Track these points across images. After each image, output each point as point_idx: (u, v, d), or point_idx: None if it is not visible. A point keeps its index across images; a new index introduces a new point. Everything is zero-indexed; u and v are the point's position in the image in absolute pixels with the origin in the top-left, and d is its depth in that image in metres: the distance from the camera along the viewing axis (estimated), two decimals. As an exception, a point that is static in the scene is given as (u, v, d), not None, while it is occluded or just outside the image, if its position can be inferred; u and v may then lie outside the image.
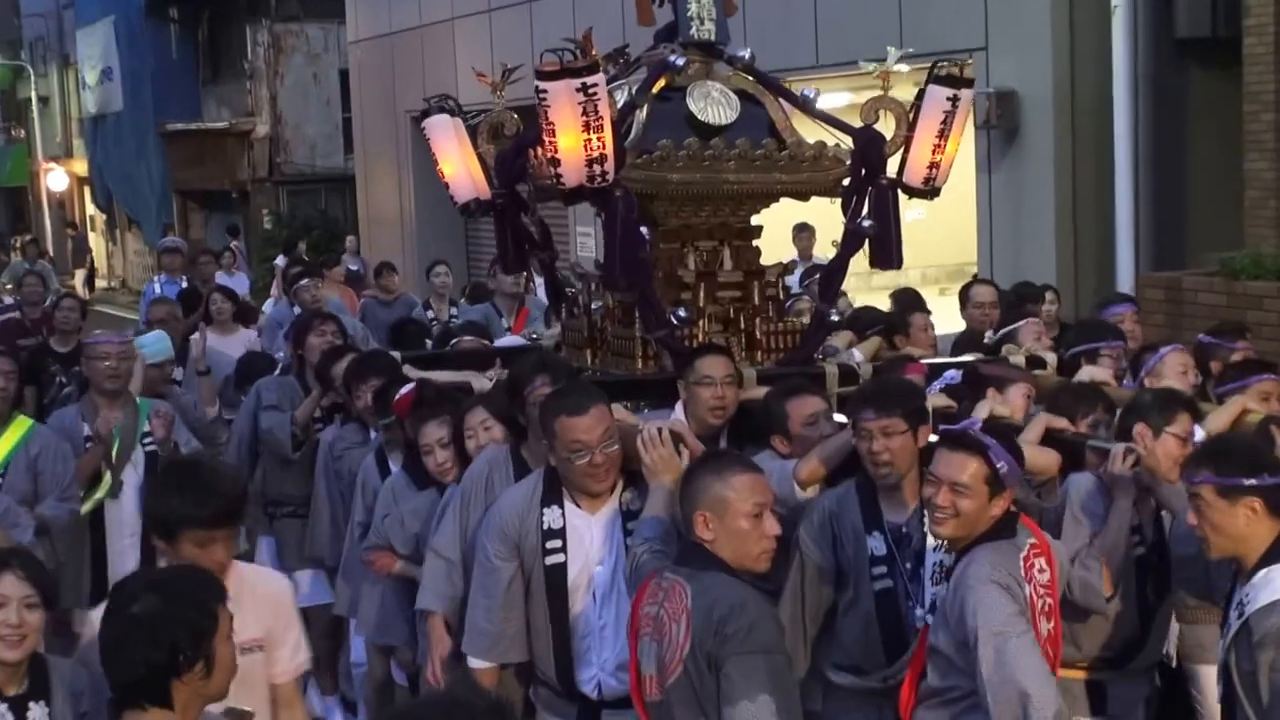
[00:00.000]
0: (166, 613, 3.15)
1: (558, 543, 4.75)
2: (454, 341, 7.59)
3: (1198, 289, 9.58)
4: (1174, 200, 11.21)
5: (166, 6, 30.60)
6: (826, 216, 7.59)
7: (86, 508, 6.64)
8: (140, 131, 31.70)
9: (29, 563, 4.05)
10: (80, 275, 32.51)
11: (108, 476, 6.74)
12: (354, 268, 13.92)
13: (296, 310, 10.51)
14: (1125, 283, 10.55)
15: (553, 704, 4.89)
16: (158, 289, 13.22)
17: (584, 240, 16.66)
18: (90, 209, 39.30)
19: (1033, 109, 11.31)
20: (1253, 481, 3.96)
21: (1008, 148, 11.52)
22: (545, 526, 4.75)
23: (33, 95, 40.40)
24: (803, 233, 11.88)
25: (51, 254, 30.70)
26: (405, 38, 21.45)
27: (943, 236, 14.68)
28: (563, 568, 4.75)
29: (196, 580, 3.33)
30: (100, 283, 35.52)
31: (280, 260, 16.86)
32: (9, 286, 18.07)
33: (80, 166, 38.68)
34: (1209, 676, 4.95)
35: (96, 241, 38.40)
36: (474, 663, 4.87)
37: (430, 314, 10.84)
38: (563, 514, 4.77)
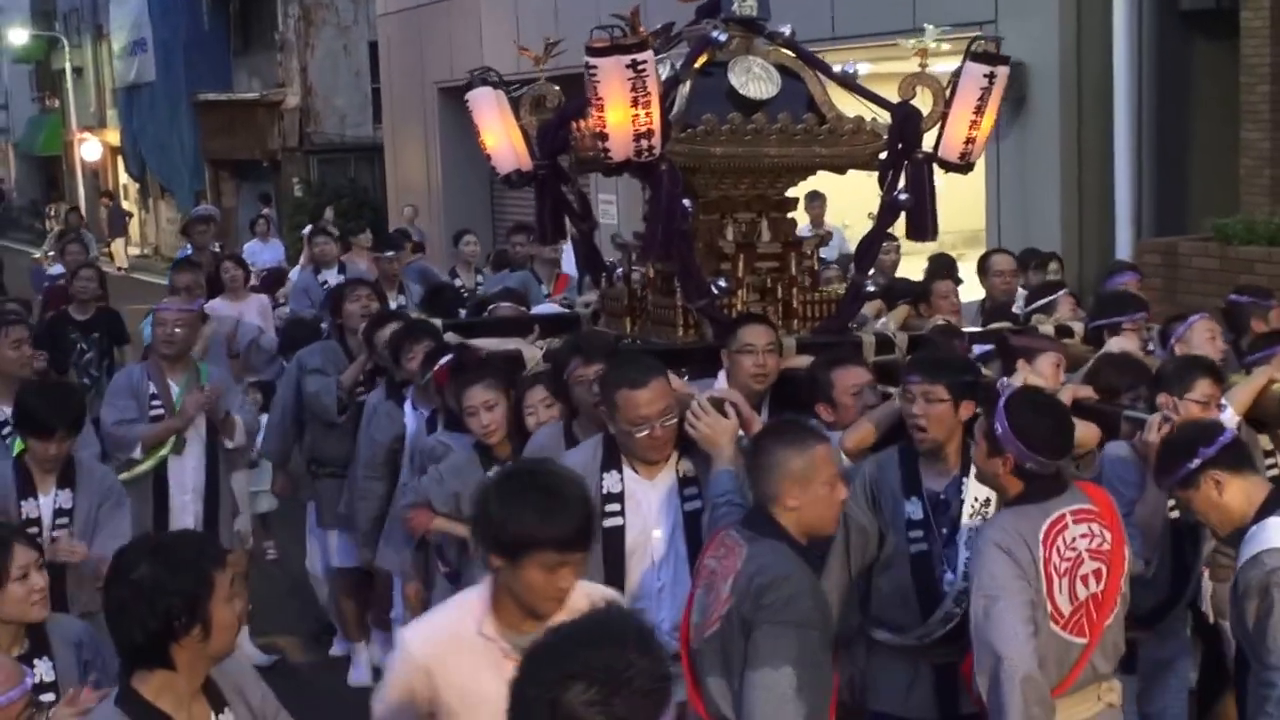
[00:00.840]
0: (163, 580, 3.20)
1: (616, 506, 4.84)
2: (490, 308, 7.69)
3: (1193, 254, 9.76)
4: (1175, 169, 11.35)
5: None
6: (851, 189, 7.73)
7: (151, 463, 6.83)
8: (173, 101, 32.03)
9: (21, 533, 4.34)
10: (120, 244, 32.74)
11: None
12: (415, 238, 13.82)
13: (321, 275, 10.71)
14: (1124, 248, 10.72)
15: None
16: None
17: (606, 208, 16.67)
18: (123, 178, 39.66)
19: (1040, 80, 11.37)
20: (1196, 461, 4.22)
21: (1015, 118, 11.55)
22: (605, 490, 4.83)
23: (67, 66, 40.75)
24: (814, 201, 11.99)
25: (87, 222, 30.89)
26: (433, 10, 21.50)
27: (958, 203, 14.81)
28: (621, 531, 4.84)
29: (193, 546, 3.39)
30: (134, 250, 35.76)
31: (307, 229, 16.96)
32: (51, 255, 18.17)
33: (113, 136, 39.01)
34: None
35: (130, 210, 38.69)
36: None
37: (459, 282, 10.93)
38: (621, 479, 4.86)
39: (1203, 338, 5.99)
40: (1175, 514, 4.97)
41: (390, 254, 10.04)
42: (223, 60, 31.51)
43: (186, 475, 7.00)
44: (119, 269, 30.98)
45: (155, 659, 3.25)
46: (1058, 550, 4.20)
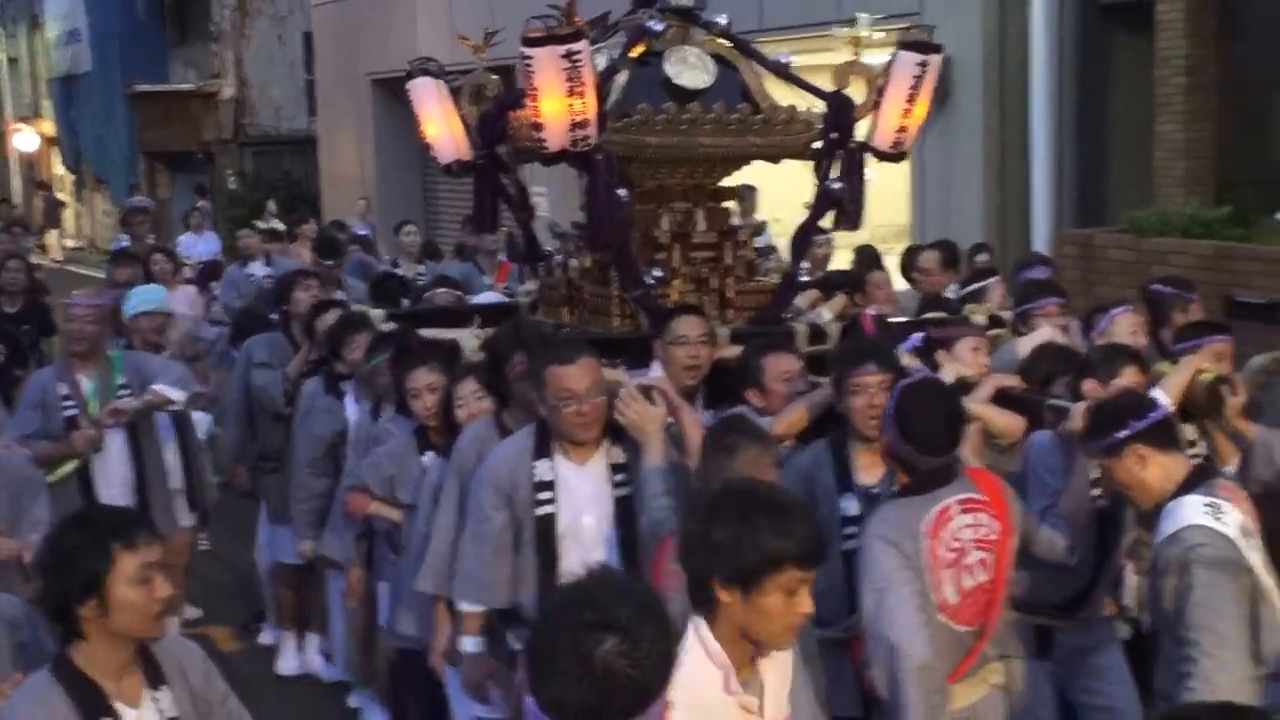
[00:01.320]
0: (69, 550, 3.36)
1: (548, 494, 4.90)
2: (426, 295, 7.72)
3: (1109, 245, 9.93)
4: (1095, 161, 11.49)
5: None
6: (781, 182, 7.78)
7: (70, 468, 6.74)
8: (108, 93, 31.80)
9: None
10: (55, 235, 32.57)
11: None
12: (363, 232, 13.86)
13: (247, 268, 10.89)
14: (1042, 240, 10.84)
15: None
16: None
17: (538, 199, 16.76)
18: (59, 169, 39.32)
19: (963, 74, 11.43)
20: (1123, 432, 4.25)
21: (940, 111, 11.47)
22: (536, 479, 4.89)
23: (1, 56, 40.89)
24: (747, 195, 12.04)
25: (23, 214, 30.85)
26: (367, 1, 21.53)
27: (884, 197, 14.94)
28: (553, 518, 4.90)
29: (107, 523, 3.45)
30: (69, 242, 35.52)
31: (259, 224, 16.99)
32: None
33: (48, 127, 38.67)
34: None
35: (64, 200, 38.51)
36: (464, 607, 5.02)
37: (400, 272, 10.94)
38: (553, 466, 4.91)
39: (1125, 330, 6.05)
40: (1099, 503, 5.01)
41: (330, 263, 10.01)
42: (159, 51, 31.45)
43: (112, 471, 6.93)
44: (54, 261, 30.79)
45: (67, 625, 3.38)
46: (942, 541, 4.22)
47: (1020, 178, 11.24)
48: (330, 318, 6.78)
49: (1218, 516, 4.14)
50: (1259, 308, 7.38)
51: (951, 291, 7.60)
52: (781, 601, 3.12)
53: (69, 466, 6.75)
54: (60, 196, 37.04)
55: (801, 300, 6.88)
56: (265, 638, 8.01)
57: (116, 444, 6.92)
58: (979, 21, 11.40)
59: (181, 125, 29.45)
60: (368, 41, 21.48)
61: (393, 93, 20.29)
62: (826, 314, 6.65)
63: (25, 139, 39.54)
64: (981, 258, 8.51)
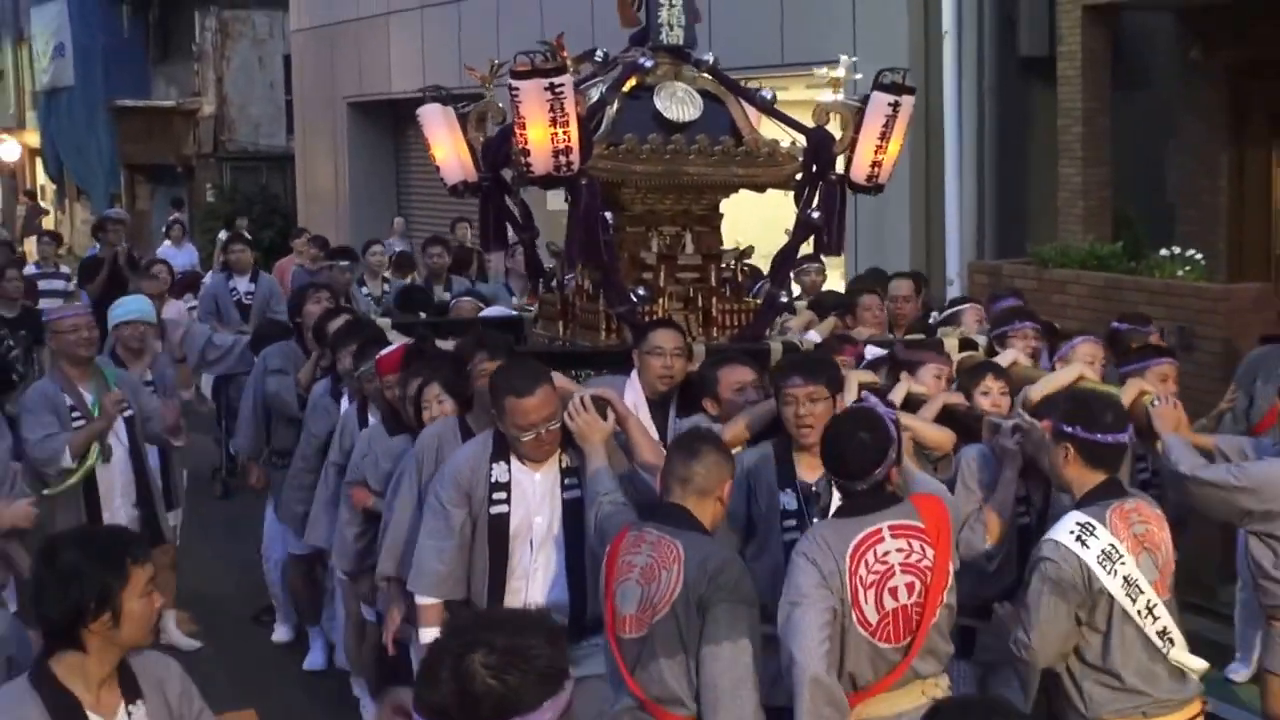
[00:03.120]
0: (81, 566, 3.45)
1: (503, 495, 5.16)
2: (453, 303, 8.22)
3: (1015, 275, 10.60)
4: (1011, 199, 12.22)
5: None
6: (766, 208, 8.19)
7: (81, 473, 7.01)
8: (91, 107, 32.59)
9: None
10: (32, 242, 33.40)
11: (96, 444, 7.10)
12: (402, 248, 14.37)
13: (231, 282, 11.48)
14: (956, 269, 11.60)
15: None
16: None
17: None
18: (41, 179, 40.10)
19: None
20: (1065, 429, 4.63)
21: None
22: (493, 480, 5.15)
23: None
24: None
25: (3, 221, 31.51)
26: (343, 29, 22.39)
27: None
28: (506, 517, 5.17)
29: (118, 540, 3.63)
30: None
31: (222, 234, 17.73)
32: None
33: (32, 138, 39.44)
34: None
35: (46, 208, 39.16)
36: (421, 599, 5.25)
37: (365, 290, 11.41)
38: (509, 469, 5.17)
39: (1084, 358, 6.36)
40: (1023, 520, 5.33)
41: (345, 264, 10.47)
42: (141, 68, 32.23)
43: (116, 481, 7.23)
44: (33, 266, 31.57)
45: (68, 641, 3.48)
46: (866, 563, 4.37)
47: (941, 213, 11.90)
48: (339, 323, 7.21)
49: (1083, 539, 4.51)
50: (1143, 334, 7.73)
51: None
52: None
53: (79, 475, 7.00)
54: (42, 204, 37.20)
55: (796, 321, 7.24)
56: (278, 635, 8.34)
57: (120, 456, 7.24)
58: (907, 64, 11.78)
59: (162, 140, 30.24)
60: (343, 67, 22.39)
61: (366, 114, 21.88)
62: (814, 335, 7.02)
63: (9, 149, 39.90)
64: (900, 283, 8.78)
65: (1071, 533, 4.54)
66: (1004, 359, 6.34)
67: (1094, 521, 4.55)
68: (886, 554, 4.38)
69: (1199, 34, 11.93)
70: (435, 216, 18.81)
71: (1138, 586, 4.55)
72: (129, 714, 3.59)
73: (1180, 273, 9.82)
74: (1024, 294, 8.97)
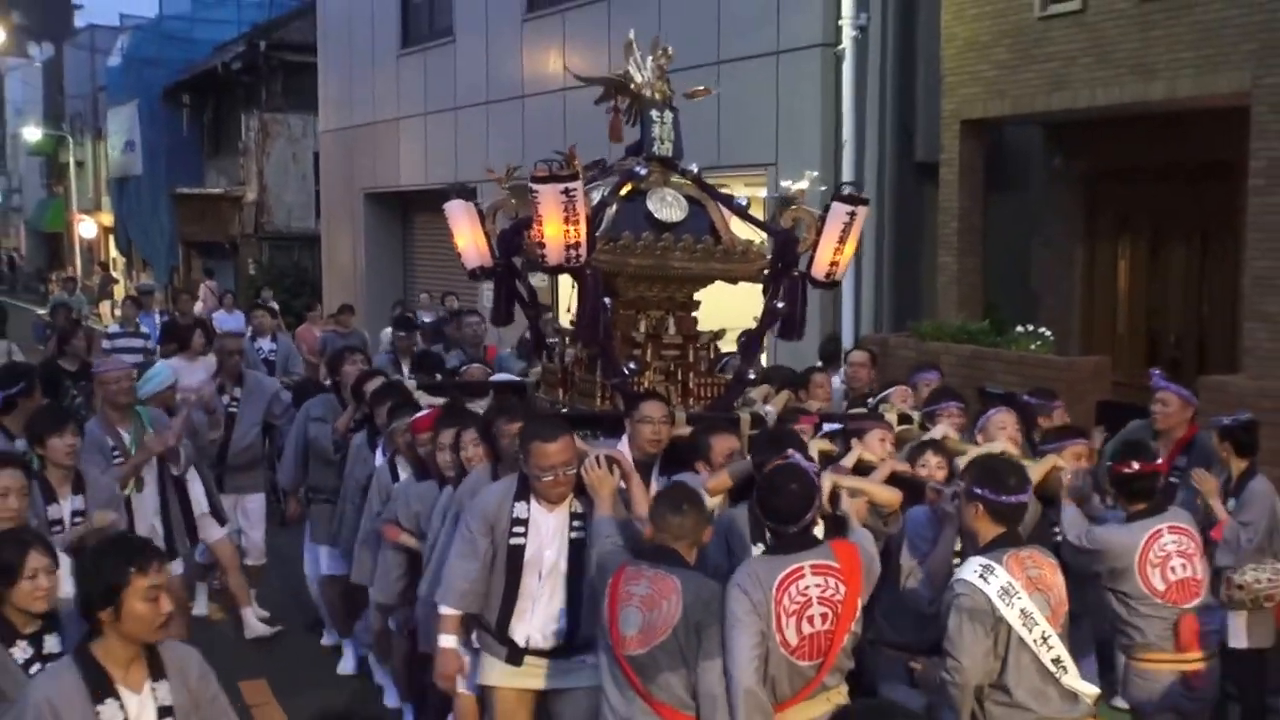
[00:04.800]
0: (97, 565, 4.15)
1: (521, 529, 5.74)
2: (463, 369, 9.30)
3: (899, 346, 12.39)
4: (907, 282, 14.01)
5: (180, 94, 36.91)
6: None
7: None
8: (155, 193, 37.42)
9: (41, 539, 5.02)
10: (106, 305, 35.76)
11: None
12: (429, 319, 15.59)
13: (256, 343, 13.29)
14: (851, 340, 13.28)
15: (491, 645, 5.95)
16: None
17: (488, 293, 18.74)
18: (114, 252, 45.54)
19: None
20: (974, 489, 5.27)
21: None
22: (514, 515, 5.74)
23: (70, 160, 50.05)
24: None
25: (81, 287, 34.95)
26: (362, 131, 24.87)
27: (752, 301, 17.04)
28: (522, 549, 5.76)
29: (129, 549, 4.23)
30: (118, 311, 38.10)
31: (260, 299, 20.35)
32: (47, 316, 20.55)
33: (107, 218, 45.41)
34: None
35: (117, 277, 43.10)
36: (444, 610, 5.89)
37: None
38: (529, 508, 5.75)
39: (997, 426, 7.14)
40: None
41: (404, 334, 11.94)
42: (197, 161, 36.62)
43: (147, 506, 8.02)
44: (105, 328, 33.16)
45: (92, 626, 4.15)
46: (789, 594, 4.89)
47: (847, 292, 13.58)
48: (374, 383, 8.13)
49: (984, 576, 5.04)
50: (1000, 397, 8.81)
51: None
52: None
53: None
54: (113, 274, 41.84)
55: (755, 393, 7.93)
56: (326, 640, 9.31)
57: (151, 486, 8.09)
58: (818, 168, 13.45)
59: (213, 221, 34.03)
60: (362, 163, 24.89)
61: (379, 203, 24.65)
62: (771, 408, 7.63)
63: (87, 227, 46.83)
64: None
65: (975, 571, 5.06)
66: (935, 434, 7.12)
67: (993, 564, 5.06)
68: (806, 588, 4.92)
69: (1061, 145, 13.65)
70: (432, 288, 20.81)
71: (1033, 618, 5.04)
72: (153, 690, 4.22)
73: (1032, 347, 11.45)
74: (905, 361, 10.30)
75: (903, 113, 14.17)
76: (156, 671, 4.24)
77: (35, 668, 4.72)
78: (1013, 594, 5.05)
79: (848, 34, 13.79)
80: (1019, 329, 11.84)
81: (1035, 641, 5.07)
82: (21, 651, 4.77)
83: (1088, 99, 11.73)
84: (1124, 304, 13.58)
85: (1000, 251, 13.57)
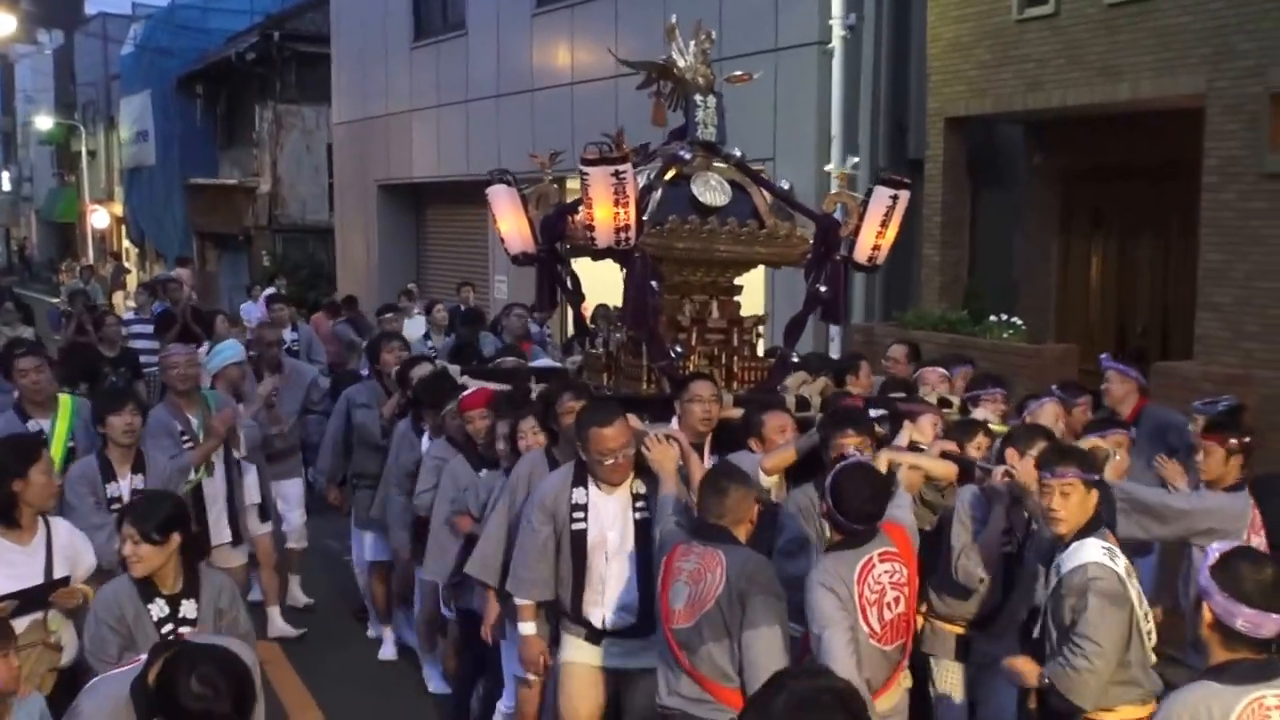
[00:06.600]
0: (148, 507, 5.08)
1: (582, 514, 5.77)
2: (496, 361, 9.22)
3: (884, 334, 12.74)
4: (900, 272, 14.15)
5: (194, 84, 36.59)
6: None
7: (189, 487, 7.69)
8: (168, 183, 37.45)
9: (135, 511, 5.30)
10: (119, 296, 35.84)
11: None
12: (467, 307, 15.66)
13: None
14: (836, 328, 13.41)
15: (571, 628, 6.00)
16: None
17: (500, 285, 19.94)
18: (126, 243, 45.74)
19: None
20: (1095, 476, 5.20)
21: None
22: (574, 502, 5.76)
23: (83, 149, 48.87)
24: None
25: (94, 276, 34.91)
26: (375, 123, 25.04)
27: (750, 292, 17.36)
28: (584, 533, 5.79)
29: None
30: (130, 302, 38.39)
31: (269, 291, 20.31)
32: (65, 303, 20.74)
33: (118, 209, 45.42)
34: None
35: (129, 268, 42.83)
36: (519, 600, 5.99)
37: (429, 343, 13.13)
38: (587, 493, 5.78)
39: (1049, 416, 7.22)
40: (1007, 547, 6.00)
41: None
42: (210, 152, 36.46)
43: (217, 490, 8.11)
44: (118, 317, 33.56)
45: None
46: (868, 585, 5.02)
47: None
48: (420, 370, 8.18)
49: (1112, 558, 4.99)
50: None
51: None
52: None
53: (188, 488, 7.71)
54: (126, 265, 41.36)
55: (791, 380, 7.77)
56: (371, 632, 9.35)
57: (219, 470, 8.14)
58: (813, 165, 14.03)
59: (226, 212, 34.05)
60: (374, 155, 25.08)
61: (392, 195, 24.97)
62: (813, 391, 7.62)
63: (100, 217, 46.59)
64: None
65: (1104, 553, 4.99)
66: (977, 415, 7.18)
67: (1111, 545, 5.05)
68: (880, 576, 5.07)
69: (1040, 143, 14.26)
70: (445, 280, 21.07)
71: (1141, 596, 5.05)
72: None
73: (1005, 335, 12.04)
74: (889, 348, 10.30)
75: (896, 111, 14.66)
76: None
77: (167, 628, 5.05)
78: (1131, 574, 5.07)
79: (837, 33, 14.23)
80: (993, 318, 12.50)
81: (1143, 617, 5.08)
82: (159, 609, 5.09)
83: (1060, 99, 12.41)
84: (1096, 295, 14.24)
85: (986, 244, 14.17)
